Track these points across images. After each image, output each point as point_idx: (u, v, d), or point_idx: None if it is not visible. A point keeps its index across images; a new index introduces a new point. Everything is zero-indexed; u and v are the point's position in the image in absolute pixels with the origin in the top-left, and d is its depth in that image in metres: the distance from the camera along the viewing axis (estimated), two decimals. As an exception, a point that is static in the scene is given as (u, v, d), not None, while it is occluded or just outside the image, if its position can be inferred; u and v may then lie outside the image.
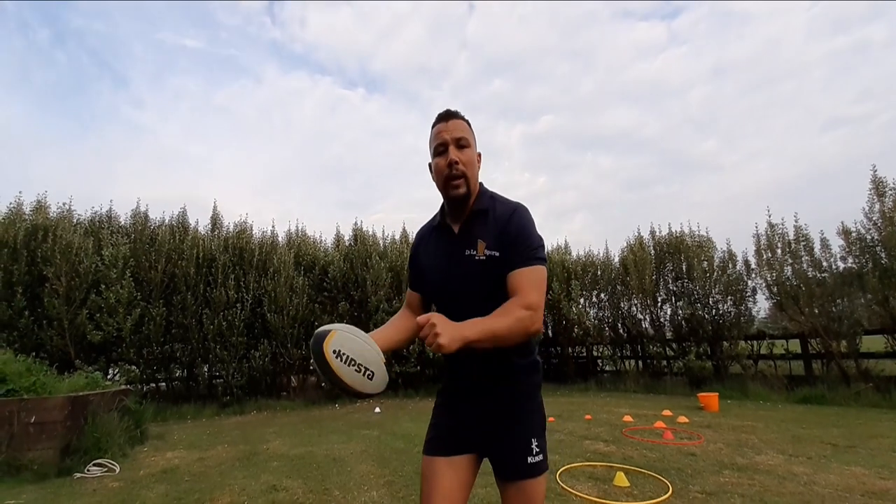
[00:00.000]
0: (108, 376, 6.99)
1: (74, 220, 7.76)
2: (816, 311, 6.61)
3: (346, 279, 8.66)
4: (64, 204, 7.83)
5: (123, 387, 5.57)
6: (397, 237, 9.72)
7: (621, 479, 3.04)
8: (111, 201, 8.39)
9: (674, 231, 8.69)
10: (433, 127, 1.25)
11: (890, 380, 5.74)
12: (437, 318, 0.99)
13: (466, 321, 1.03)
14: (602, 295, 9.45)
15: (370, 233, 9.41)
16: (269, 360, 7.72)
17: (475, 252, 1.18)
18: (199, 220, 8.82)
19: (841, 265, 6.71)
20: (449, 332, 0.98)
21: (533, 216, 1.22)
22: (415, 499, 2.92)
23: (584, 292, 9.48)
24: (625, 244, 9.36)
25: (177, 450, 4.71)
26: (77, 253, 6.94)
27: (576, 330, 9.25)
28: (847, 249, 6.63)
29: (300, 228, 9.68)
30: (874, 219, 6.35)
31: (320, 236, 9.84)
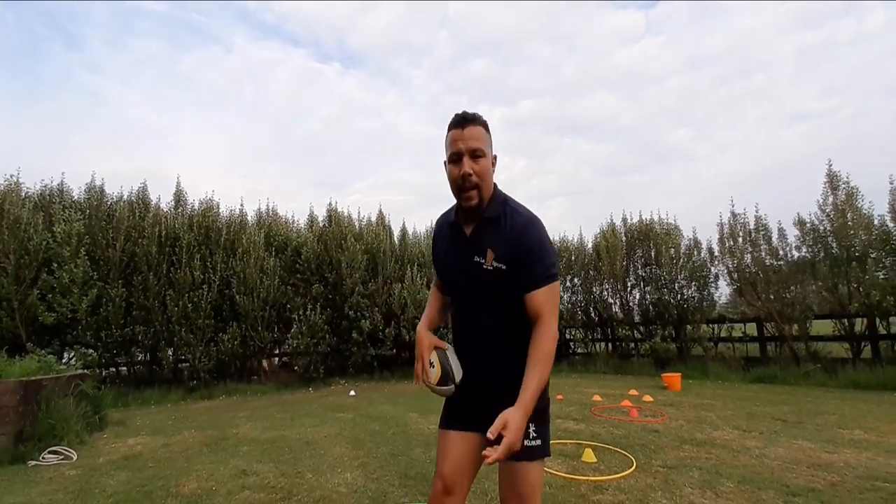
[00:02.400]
0: (64, 360, 6.62)
1: (23, 194, 7.18)
2: (772, 297, 7.00)
3: (320, 261, 8.45)
4: (11, 176, 7.21)
5: (80, 371, 5.28)
6: (373, 218, 9.55)
7: (589, 456, 3.15)
8: (63, 174, 7.78)
9: (644, 219, 8.95)
10: (449, 130, 1.22)
11: (836, 361, 6.19)
12: (504, 446, 1.02)
13: (521, 396, 1.08)
14: (575, 280, 9.67)
15: (345, 214, 9.19)
16: (239, 343, 7.49)
17: (483, 261, 1.20)
18: (162, 197, 8.33)
19: (795, 254, 7.12)
20: (516, 432, 1.04)
21: (542, 225, 1.23)
22: (389, 479, 2.92)
23: (559, 277, 9.66)
24: (598, 231, 9.58)
25: (139, 436, 4.53)
26: (26, 229, 6.44)
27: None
28: (801, 239, 7.02)
29: (271, 207, 9.35)
30: (827, 210, 6.73)
31: (293, 216, 9.55)
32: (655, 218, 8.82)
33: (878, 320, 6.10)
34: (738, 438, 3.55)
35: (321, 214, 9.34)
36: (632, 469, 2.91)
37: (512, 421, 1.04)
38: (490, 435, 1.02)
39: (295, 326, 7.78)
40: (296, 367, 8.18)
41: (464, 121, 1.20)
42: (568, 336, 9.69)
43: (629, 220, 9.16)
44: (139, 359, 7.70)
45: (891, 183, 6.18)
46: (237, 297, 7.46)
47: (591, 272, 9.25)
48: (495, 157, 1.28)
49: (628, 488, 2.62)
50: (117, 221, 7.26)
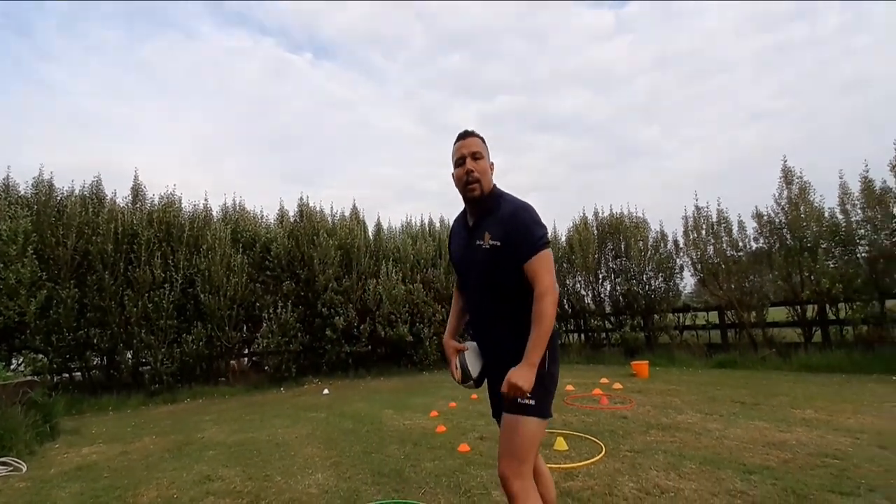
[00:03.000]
0: (12, 367, 6.18)
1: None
2: (732, 286, 7.34)
3: (290, 257, 8.21)
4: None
5: (28, 378, 4.95)
6: (347, 213, 9.35)
7: (561, 444, 3.20)
8: (9, 167, 7.18)
9: (614, 213, 9.17)
10: (454, 145, 1.55)
11: (790, 346, 6.56)
12: (513, 379, 1.29)
13: (528, 350, 1.31)
14: (548, 273, 9.82)
15: (317, 209, 8.94)
16: (204, 344, 7.19)
17: (482, 242, 1.45)
18: (118, 192, 7.86)
19: (754, 245, 7.48)
20: (526, 379, 1.28)
21: (532, 208, 1.48)
22: (361, 477, 2.87)
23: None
24: (571, 224, 9.76)
25: (95, 444, 4.29)
26: (-35, 227, 5.94)
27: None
28: (759, 231, 7.38)
29: (238, 202, 8.98)
30: (782, 204, 7.09)
31: (261, 211, 9.19)
32: (625, 212, 9.07)
33: (827, 307, 6.50)
34: (701, 421, 3.69)
35: (292, 209, 9.07)
36: (601, 455, 2.98)
37: (515, 371, 1.30)
38: (503, 389, 1.32)
39: (265, 325, 7.54)
40: (266, 367, 7.95)
41: (465, 135, 1.55)
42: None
43: (600, 214, 9.37)
44: (95, 363, 7.28)
45: (840, 178, 6.58)
46: (202, 295, 7.15)
47: (564, 265, 9.42)
48: (492, 164, 1.57)
49: (597, 474, 2.68)
50: (68, 218, 6.79)
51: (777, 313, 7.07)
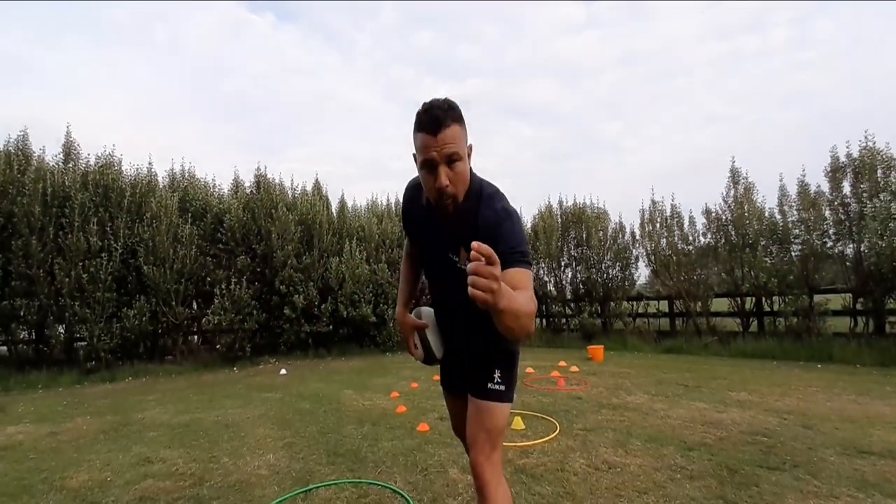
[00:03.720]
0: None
1: None
2: (682, 278, 7.76)
3: (246, 230, 7.77)
4: None
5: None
6: (309, 188, 8.96)
7: (518, 423, 3.27)
8: None
9: (578, 203, 9.39)
10: (418, 132, 1.08)
11: (730, 334, 7.07)
12: (501, 279, 0.82)
13: (512, 294, 0.87)
14: (513, 258, 9.95)
15: (276, 181, 8.48)
16: (148, 319, 6.72)
17: (457, 259, 1.19)
18: (47, 149, 7.04)
19: (702, 239, 7.92)
20: (506, 297, 0.84)
21: (516, 213, 1.17)
22: (316, 458, 2.79)
23: (499, 255, 9.91)
24: (536, 211, 9.90)
25: (21, 424, 3.94)
26: None
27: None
28: (707, 227, 7.81)
29: (187, 169, 8.35)
30: (729, 202, 7.52)
31: (213, 180, 8.60)
32: (588, 202, 9.30)
33: (763, 299, 7.03)
34: (648, 402, 3.89)
35: (248, 180, 8.56)
36: (555, 434, 3.06)
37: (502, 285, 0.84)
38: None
39: (217, 301, 7.13)
40: (218, 346, 7.57)
41: (436, 124, 1.04)
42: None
43: (564, 203, 9.57)
44: (22, 337, 6.65)
45: (780, 181, 7.05)
46: (145, 267, 6.63)
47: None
48: (471, 147, 1.15)
49: (551, 451, 2.75)
50: (-14, 174, 6.06)
51: (720, 304, 7.58)
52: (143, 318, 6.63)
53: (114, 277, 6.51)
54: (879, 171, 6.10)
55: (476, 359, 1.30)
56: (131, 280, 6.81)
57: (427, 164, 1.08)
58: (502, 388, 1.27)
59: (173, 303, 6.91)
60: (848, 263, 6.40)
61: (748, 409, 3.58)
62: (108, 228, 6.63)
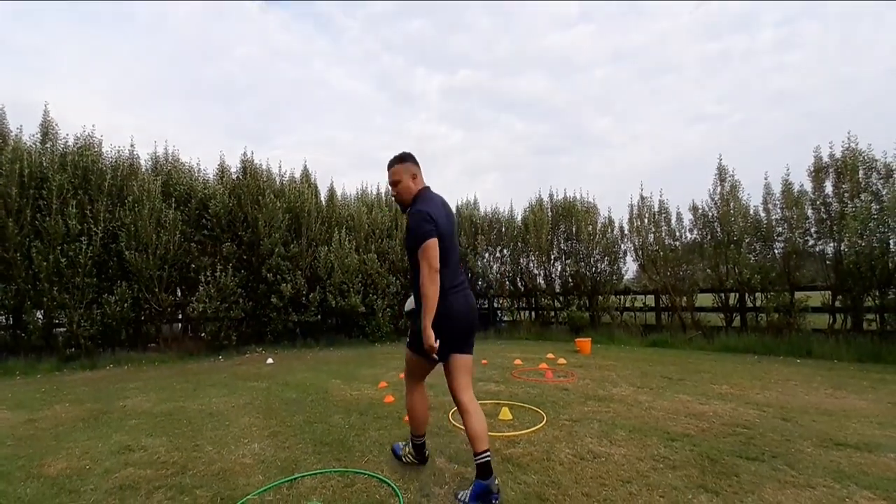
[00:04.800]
0: None
1: None
2: (668, 273, 7.87)
3: (232, 217, 7.62)
4: None
5: None
6: (297, 175, 8.80)
7: (505, 413, 3.29)
8: None
9: (568, 197, 9.42)
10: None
11: (713, 329, 7.21)
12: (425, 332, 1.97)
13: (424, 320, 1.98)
14: (505, 251, 9.97)
15: (264, 167, 8.31)
16: (130, 305, 6.58)
17: (405, 234, 2.31)
18: (25, 128, 6.77)
19: (689, 236, 8.02)
20: (429, 340, 1.96)
21: (421, 211, 2.04)
22: (302, 447, 2.77)
23: (489, 247, 9.91)
24: (527, 205, 9.90)
25: (-5, 411, 3.82)
26: None
27: (479, 283, 9.73)
28: (694, 223, 7.90)
29: (171, 152, 8.12)
30: (716, 199, 7.62)
31: (198, 164, 8.37)
32: (578, 196, 9.33)
33: (747, 295, 7.17)
34: (633, 394, 3.95)
35: (234, 165, 8.36)
36: (542, 424, 3.09)
37: (424, 331, 1.98)
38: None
39: (201, 288, 7.00)
40: (203, 334, 7.45)
41: (389, 164, 2.22)
42: (496, 305, 10.07)
43: (555, 197, 9.58)
44: (-2, 322, 6.46)
45: (765, 179, 7.16)
46: (126, 252, 6.47)
47: (519, 244, 9.60)
48: (414, 175, 2.19)
49: (537, 441, 2.77)
50: (-43, 153, 5.80)
51: (704, 299, 7.71)
52: (125, 305, 6.48)
53: (94, 262, 6.34)
54: (861, 172, 6.23)
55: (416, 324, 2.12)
56: (112, 265, 6.64)
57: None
58: (408, 340, 2.32)
59: (156, 289, 6.77)
60: (828, 262, 6.55)
61: (729, 401, 3.65)
62: (88, 212, 6.44)
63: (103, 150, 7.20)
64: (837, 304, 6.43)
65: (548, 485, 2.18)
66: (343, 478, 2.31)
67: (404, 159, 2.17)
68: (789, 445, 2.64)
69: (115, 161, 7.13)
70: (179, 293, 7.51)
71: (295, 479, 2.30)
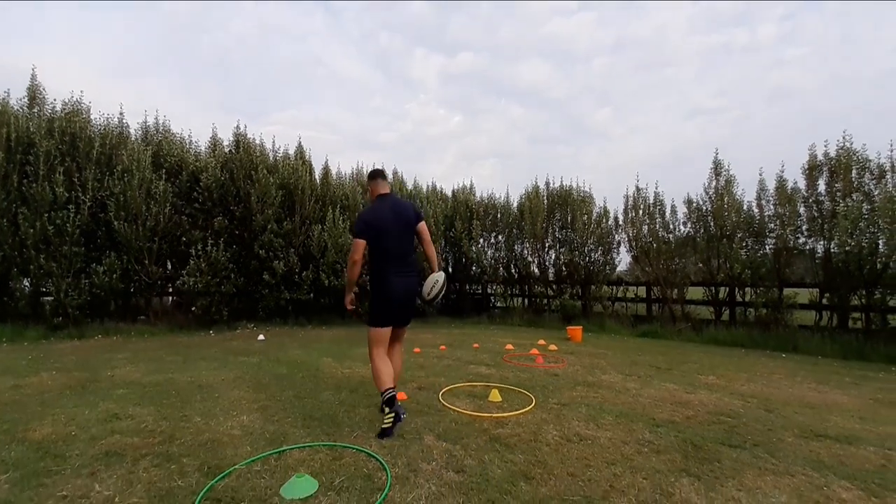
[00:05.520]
0: None
1: None
2: (661, 265, 7.92)
3: (224, 191, 7.49)
4: None
5: None
6: (291, 152, 8.64)
7: (495, 396, 3.32)
8: None
9: (564, 185, 9.37)
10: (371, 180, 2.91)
11: (703, 321, 7.31)
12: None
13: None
14: (500, 237, 9.94)
15: (258, 142, 8.13)
16: (119, 276, 6.49)
17: None
18: (11, 93, 6.53)
19: (682, 229, 8.04)
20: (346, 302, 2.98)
21: (359, 217, 2.81)
22: (291, 421, 2.77)
23: (484, 233, 9.88)
24: (523, 191, 9.85)
25: (-21, 376, 3.78)
26: None
27: (473, 269, 9.73)
28: (688, 216, 7.91)
29: (162, 123, 7.91)
30: (710, 193, 7.62)
31: (189, 136, 8.17)
32: (574, 186, 9.29)
33: (737, 290, 7.25)
34: (621, 381, 4.01)
35: (227, 139, 8.18)
36: (531, 406, 3.12)
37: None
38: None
39: (192, 262, 6.92)
40: (194, 308, 7.40)
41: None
42: (490, 291, 10.09)
43: (551, 185, 9.53)
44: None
45: (760, 175, 7.17)
46: (115, 222, 6.35)
47: (514, 231, 9.57)
48: (369, 189, 2.93)
49: (525, 423, 2.80)
50: (-61, 113, 5.60)
51: (695, 292, 7.79)
52: (114, 276, 6.40)
53: (82, 231, 6.23)
54: (854, 172, 6.25)
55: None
56: (101, 235, 6.52)
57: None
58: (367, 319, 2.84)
59: (146, 261, 6.68)
60: (818, 260, 6.62)
61: (715, 391, 3.72)
62: (76, 179, 6.29)
63: (91, 117, 7.02)
64: (824, 301, 6.52)
65: (534, 464, 2.20)
66: (331, 451, 2.31)
67: (369, 177, 2.89)
68: (771, 435, 2.69)
69: (104, 129, 6.94)
70: (170, 266, 7.43)
71: (283, 451, 2.31)
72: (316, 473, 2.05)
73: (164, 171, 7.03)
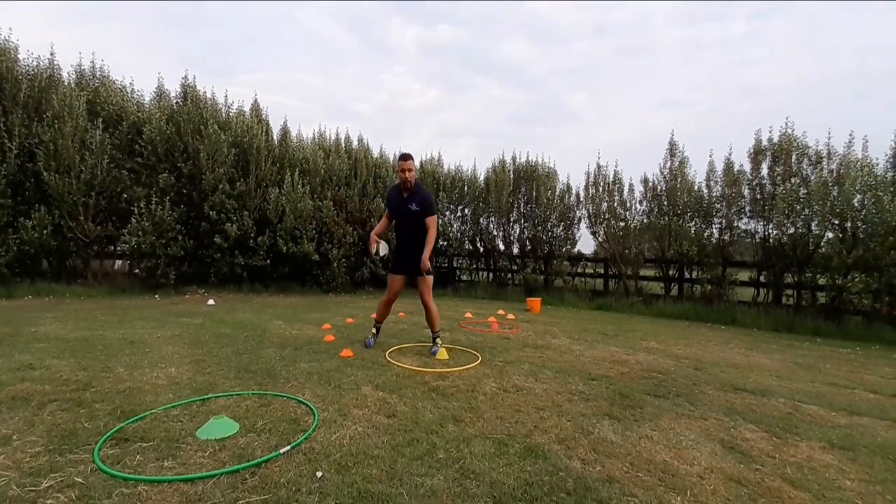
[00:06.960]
0: None
1: None
2: (618, 242, 8.16)
3: (170, 145, 6.97)
4: None
5: None
6: (247, 109, 8.14)
7: (443, 354, 3.34)
8: None
9: (530, 160, 9.40)
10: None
11: (653, 296, 7.64)
12: (423, 263, 3.39)
13: (423, 252, 3.40)
14: (466, 210, 9.90)
15: (209, 95, 7.60)
16: (51, 233, 5.99)
17: (412, 206, 3.45)
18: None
19: (639, 207, 8.29)
20: (425, 262, 3.38)
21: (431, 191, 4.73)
22: (223, 373, 2.68)
23: (451, 206, 9.80)
24: (490, 165, 9.80)
25: None
26: None
27: (441, 242, 9.65)
28: (644, 195, 8.16)
29: (98, 67, 7.21)
30: (665, 173, 7.88)
31: (131, 84, 7.49)
32: (539, 161, 9.33)
33: (685, 267, 7.61)
34: (568, 344, 4.14)
35: (174, 90, 7.58)
36: (476, 363, 3.16)
37: (423, 259, 3.35)
38: (422, 268, 3.39)
39: (135, 221, 6.47)
40: (137, 271, 6.98)
41: (408, 158, 3.50)
42: (455, 264, 10.08)
43: (518, 160, 9.53)
44: None
45: (710, 157, 7.48)
46: (45, 173, 5.81)
47: (480, 204, 9.55)
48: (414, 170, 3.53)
49: (467, 377, 2.84)
50: None
51: (647, 268, 8.11)
52: (45, 232, 5.90)
53: (8, 181, 5.67)
54: (794, 157, 6.59)
55: (416, 258, 3.41)
56: (29, 187, 5.97)
57: (401, 173, 3.48)
58: (430, 273, 3.47)
59: (81, 217, 6.18)
60: (758, 239, 7.01)
61: (653, 354, 3.90)
62: (2, 125, 5.67)
63: (19, 56, 6.30)
64: (762, 279, 6.96)
65: (466, 410, 2.23)
66: (259, 399, 2.25)
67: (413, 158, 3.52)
68: (694, 388, 2.85)
69: (34, 70, 6.26)
70: (111, 225, 6.92)
71: (208, 398, 2.22)
72: (239, 418, 1.98)
73: (100, 119, 6.43)
